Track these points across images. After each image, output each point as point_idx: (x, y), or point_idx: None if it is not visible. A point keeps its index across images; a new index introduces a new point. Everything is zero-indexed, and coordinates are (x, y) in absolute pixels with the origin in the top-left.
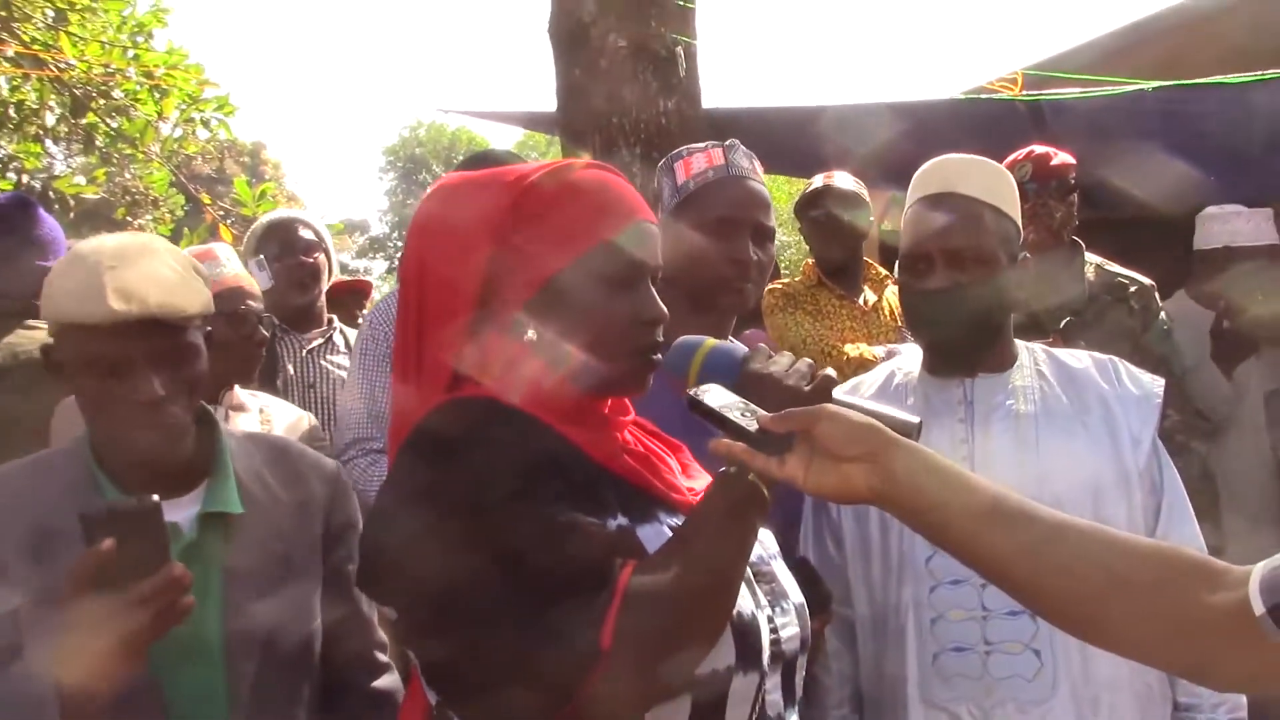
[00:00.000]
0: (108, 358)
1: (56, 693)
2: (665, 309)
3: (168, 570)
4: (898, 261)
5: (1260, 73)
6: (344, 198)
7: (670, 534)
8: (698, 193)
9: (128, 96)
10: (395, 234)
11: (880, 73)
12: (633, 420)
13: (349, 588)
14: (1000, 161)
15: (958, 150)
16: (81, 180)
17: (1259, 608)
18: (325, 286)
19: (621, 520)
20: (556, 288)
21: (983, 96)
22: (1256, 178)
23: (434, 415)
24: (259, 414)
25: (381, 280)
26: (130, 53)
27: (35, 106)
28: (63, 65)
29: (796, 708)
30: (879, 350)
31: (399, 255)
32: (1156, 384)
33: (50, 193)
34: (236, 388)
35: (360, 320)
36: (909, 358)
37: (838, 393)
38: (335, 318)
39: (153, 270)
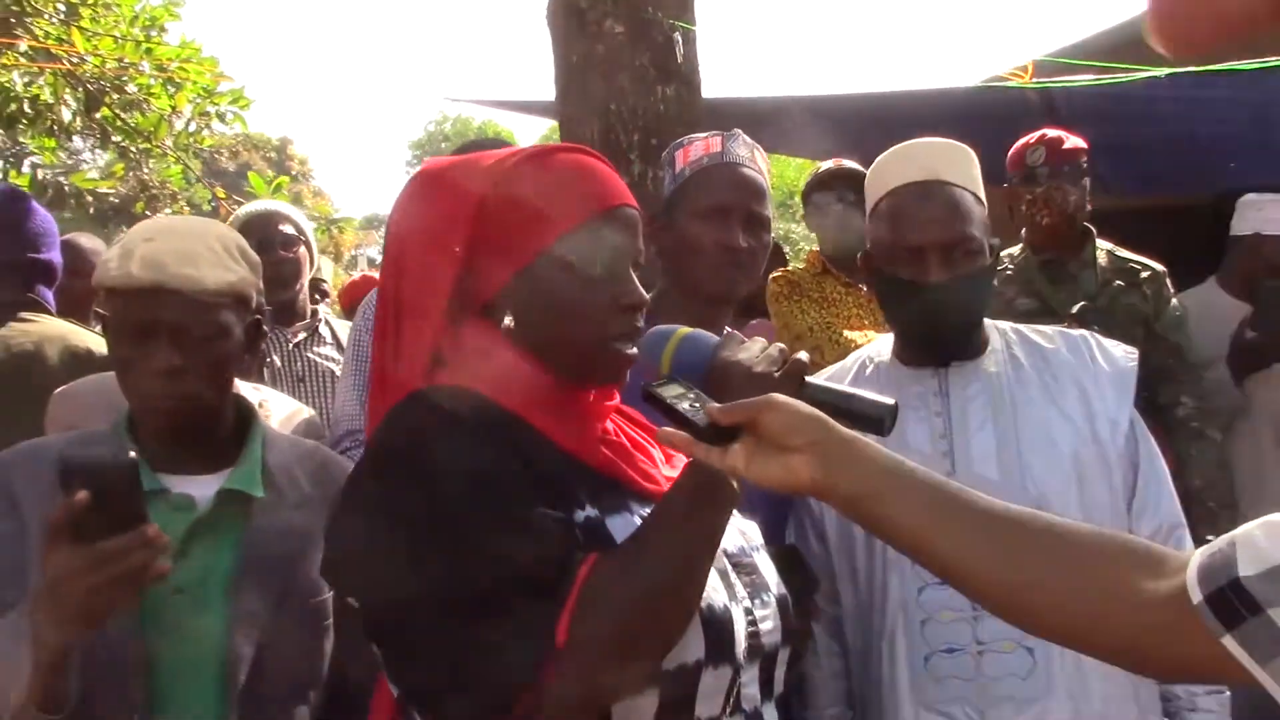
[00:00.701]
0: (132, 322)
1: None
2: (645, 294)
3: (139, 531)
4: (870, 252)
5: (1276, 58)
6: (371, 192)
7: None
8: (691, 179)
9: (141, 90)
10: None
11: (890, 64)
12: (616, 408)
13: None
14: (1010, 148)
15: (969, 140)
16: (97, 176)
17: (1196, 595)
18: (307, 280)
19: (591, 512)
20: (534, 273)
21: (994, 85)
22: (1275, 163)
23: (401, 407)
24: (259, 407)
25: None
26: (143, 47)
27: (50, 102)
28: (76, 60)
29: (774, 701)
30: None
31: None
32: (1130, 358)
33: (66, 188)
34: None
35: None
36: (880, 345)
37: (812, 379)
38: (319, 309)
39: (183, 245)
